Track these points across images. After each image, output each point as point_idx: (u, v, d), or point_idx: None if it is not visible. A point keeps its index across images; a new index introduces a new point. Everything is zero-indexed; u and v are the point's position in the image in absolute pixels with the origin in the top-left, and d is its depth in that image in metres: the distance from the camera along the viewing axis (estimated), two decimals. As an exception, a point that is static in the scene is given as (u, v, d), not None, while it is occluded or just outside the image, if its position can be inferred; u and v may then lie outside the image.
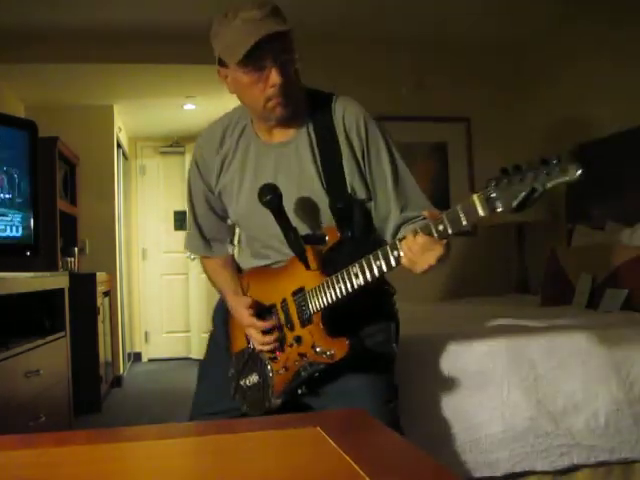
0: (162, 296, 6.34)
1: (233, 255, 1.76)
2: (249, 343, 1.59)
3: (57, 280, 2.94)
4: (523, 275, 4.06)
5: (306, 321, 1.47)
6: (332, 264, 1.41)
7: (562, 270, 3.13)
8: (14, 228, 2.77)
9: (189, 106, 5.18)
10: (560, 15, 3.83)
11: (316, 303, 1.44)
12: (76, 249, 4.57)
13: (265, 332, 1.52)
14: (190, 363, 5.91)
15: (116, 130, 5.18)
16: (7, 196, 2.72)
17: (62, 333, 2.92)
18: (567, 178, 1.02)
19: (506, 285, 4.14)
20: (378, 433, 1.07)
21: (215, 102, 5.13)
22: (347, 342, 1.38)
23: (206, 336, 1.82)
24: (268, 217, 1.45)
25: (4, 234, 2.70)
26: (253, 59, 1.39)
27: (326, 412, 1.36)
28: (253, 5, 1.38)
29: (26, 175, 2.82)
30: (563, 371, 1.92)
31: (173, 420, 2.07)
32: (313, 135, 1.53)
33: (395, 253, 1.28)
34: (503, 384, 1.88)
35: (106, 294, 4.65)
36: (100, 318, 4.24)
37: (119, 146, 5.41)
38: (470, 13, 3.83)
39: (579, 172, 1.01)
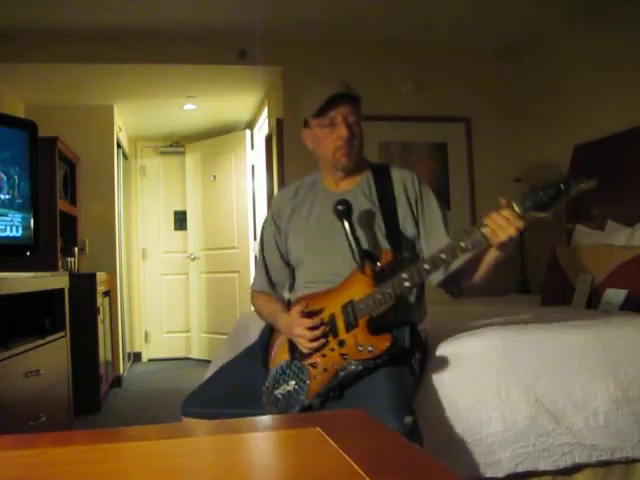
0: (162, 296, 6.34)
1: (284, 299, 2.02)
2: (293, 353, 1.76)
3: (57, 280, 2.94)
4: (523, 275, 4.05)
5: (351, 326, 1.66)
6: (383, 279, 1.64)
7: (562, 270, 3.13)
8: (14, 228, 2.77)
9: (189, 106, 5.18)
10: (559, 17, 3.84)
11: (365, 309, 1.63)
12: (76, 249, 4.56)
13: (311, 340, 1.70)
14: (190, 363, 5.91)
15: (116, 130, 5.18)
16: (7, 196, 2.72)
17: (62, 333, 2.92)
18: (587, 183, 1.44)
19: (506, 285, 4.14)
20: (378, 433, 1.07)
21: (215, 102, 5.14)
22: (389, 337, 1.60)
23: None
24: (320, 254, 1.81)
25: (4, 234, 2.70)
26: (327, 114, 1.78)
27: (326, 412, 1.36)
28: (332, 80, 1.82)
29: (26, 175, 2.82)
30: (562, 370, 1.92)
31: (173, 420, 2.07)
32: (373, 185, 1.86)
33: (483, 229, 1.52)
34: (501, 383, 1.88)
35: (106, 294, 4.65)
36: (100, 318, 4.24)
37: (119, 146, 5.41)
38: (471, 15, 3.83)
39: (594, 180, 1.44)
